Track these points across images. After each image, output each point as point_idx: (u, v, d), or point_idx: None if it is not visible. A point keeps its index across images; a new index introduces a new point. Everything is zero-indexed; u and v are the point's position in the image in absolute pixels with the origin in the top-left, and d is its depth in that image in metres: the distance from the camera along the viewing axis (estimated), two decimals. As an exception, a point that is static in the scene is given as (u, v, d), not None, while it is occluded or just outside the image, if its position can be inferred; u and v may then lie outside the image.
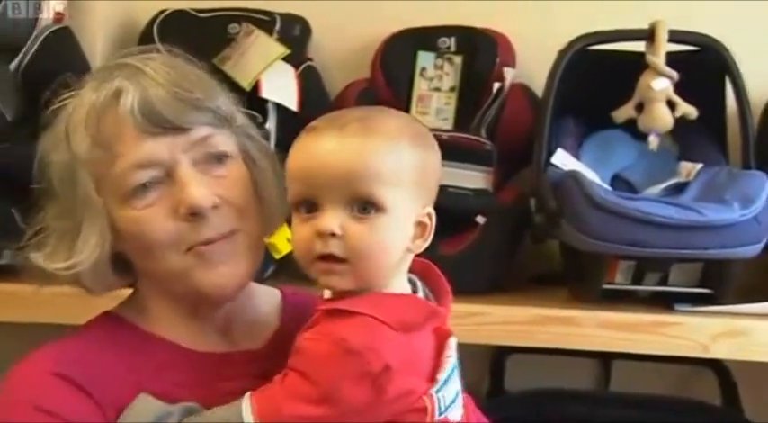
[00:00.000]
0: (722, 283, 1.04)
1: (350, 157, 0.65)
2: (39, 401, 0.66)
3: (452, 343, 0.69)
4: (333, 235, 0.65)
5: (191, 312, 0.73)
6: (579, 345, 1.04)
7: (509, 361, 1.24)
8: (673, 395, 1.26)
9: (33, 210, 0.73)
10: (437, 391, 0.67)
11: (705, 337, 1.01)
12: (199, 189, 0.68)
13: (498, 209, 1.13)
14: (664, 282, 1.06)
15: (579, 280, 1.09)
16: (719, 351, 1.02)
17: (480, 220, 1.12)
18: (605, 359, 1.25)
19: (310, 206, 0.66)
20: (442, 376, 0.67)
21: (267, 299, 0.79)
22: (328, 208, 0.65)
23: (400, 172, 0.65)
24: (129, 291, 0.77)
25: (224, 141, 0.71)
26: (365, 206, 0.65)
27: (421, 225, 0.68)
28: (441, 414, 0.66)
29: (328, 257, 0.65)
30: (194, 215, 0.68)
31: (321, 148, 0.66)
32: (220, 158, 0.71)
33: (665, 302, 1.06)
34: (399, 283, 0.69)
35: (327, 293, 0.69)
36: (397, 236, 0.66)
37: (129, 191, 0.68)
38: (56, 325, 1.10)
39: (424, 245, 0.68)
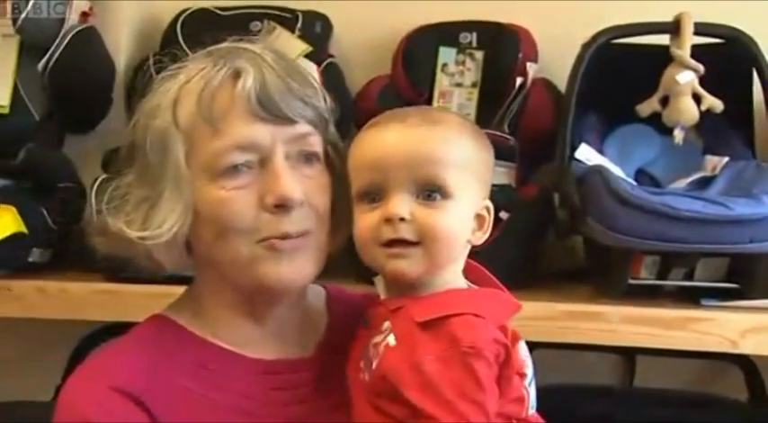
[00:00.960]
0: (750, 278, 1.03)
1: (417, 143, 0.67)
2: (95, 420, 0.66)
3: (523, 344, 0.70)
4: (402, 220, 0.66)
5: (246, 311, 0.73)
6: (604, 340, 1.03)
7: (533, 356, 1.23)
8: (698, 391, 1.24)
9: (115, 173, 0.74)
10: (529, 385, 0.68)
11: (733, 332, 1.00)
12: (292, 182, 0.69)
13: (521, 204, 1.13)
14: (689, 277, 1.05)
15: (604, 275, 1.09)
16: (747, 346, 1.00)
17: (503, 215, 1.11)
18: (630, 355, 1.24)
19: (375, 195, 0.68)
20: (529, 372, 0.68)
21: (314, 299, 0.79)
22: (395, 194, 0.67)
23: (464, 160, 0.68)
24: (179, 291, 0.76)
25: (318, 143, 0.72)
26: (431, 192, 0.67)
27: (480, 217, 0.69)
28: (532, 409, 0.68)
29: (397, 243, 0.66)
30: (279, 207, 0.69)
31: (386, 137, 0.68)
32: (310, 158, 0.72)
33: (690, 298, 1.05)
34: (461, 279, 0.70)
35: (382, 292, 0.70)
36: (462, 223, 0.68)
37: (222, 169, 0.69)
38: (86, 321, 1.13)
39: (483, 237, 0.70)
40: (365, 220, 0.68)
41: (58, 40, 1.15)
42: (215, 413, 0.69)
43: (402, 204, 0.66)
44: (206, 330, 0.73)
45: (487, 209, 0.70)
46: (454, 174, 0.67)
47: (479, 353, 0.63)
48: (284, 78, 0.70)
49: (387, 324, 0.67)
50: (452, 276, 0.69)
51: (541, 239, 1.15)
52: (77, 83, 1.16)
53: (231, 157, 0.68)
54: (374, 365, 0.66)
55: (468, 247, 0.70)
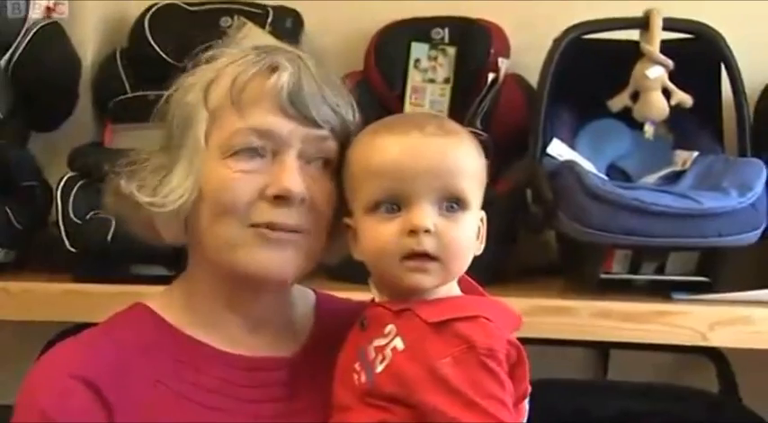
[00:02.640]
0: (719, 271, 1.04)
1: (441, 153, 0.66)
2: (50, 412, 0.66)
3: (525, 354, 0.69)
4: (427, 232, 0.65)
5: (228, 302, 0.72)
6: (577, 335, 1.04)
7: (507, 352, 1.24)
8: (671, 384, 1.26)
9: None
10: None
11: (703, 325, 1.01)
12: (297, 177, 0.69)
13: (494, 200, 1.12)
14: (660, 270, 1.06)
15: (576, 270, 1.09)
16: (717, 339, 1.02)
17: (476, 211, 1.11)
18: (603, 349, 1.25)
19: (394, 205, 0.66)
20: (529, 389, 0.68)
21: (302, 302, 0.78)
22: (419, 204, 0.65)
23: (478, 171, 0.68)
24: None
25: (334, 150, 0.72)
26: (453, 203, 0.66)
27: (478, 227, 0.69)
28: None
29: (418, 256, 0.65)
30: (278, 199, 0.69)
31: (408, 145, 0.67)
32: (323, 164, 0.72)
33: (661, 291, 1.06)
34: (456, 287, 0.69)
35: (377, 294, 0.69)
36: (475, 234, 0.68)
37: (234, 149, 0.69)
38: (53, 323, 1.11)
39: (482, 247, 0.69)
40: (383, 231, 0.66)
41: (20, 36, 1.13)
42: (181, 407, 0.69)
43: (427, 216, 0.65)
44: (184, 322, 0.73)
45: (482, 219, 0.70)
46: (471, 185, 0.67)
47: (495, 355, 0.63)
48: (319, 83, 0.71)
49: (391, 327, 0.66)
50: (453, 283, 0.69)
51: (514, 235, 1.16)
52: (41, 79, 1.14)
53: (246, 139, 0.69)
54: (379, 368, 0.65)
55: (475, 252, 0.70)
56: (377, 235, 0.66)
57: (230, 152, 0.70)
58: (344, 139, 0.73)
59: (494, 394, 0.62)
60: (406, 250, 0.65)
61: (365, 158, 0.68)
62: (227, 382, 0.70)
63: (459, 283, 0.70)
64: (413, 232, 0.65)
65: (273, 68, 0.70)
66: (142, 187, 0.71)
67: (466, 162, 0.67)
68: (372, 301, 0.70)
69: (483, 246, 0.70)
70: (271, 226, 0.69)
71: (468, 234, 0.67)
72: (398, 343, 0.65)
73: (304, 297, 0.79)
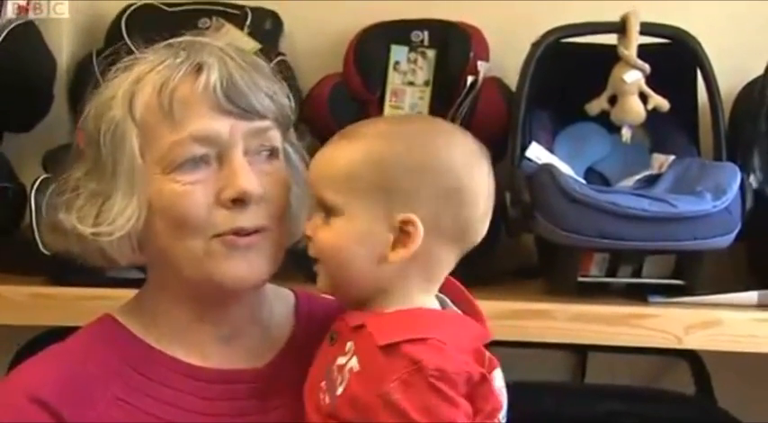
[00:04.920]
0: (695, 274, 1.05)
1: (315, 164, 0.68)
2: None
3: (499, 373, 0.67)
4: (308, 237, 0.67)
5: (197, 313, 0.70)
6: (554, 338, 1.04)
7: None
8: (648, 386, 1.27)
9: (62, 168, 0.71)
10: (503, 418, 0.66)
11: (678, 328, 1.01)
12: (251, 176, 0.67)
13: (473, 203, 1.13)
14: (637, 274, 1.06)
15: (554, 273, 1.09)
16: (693, 342, 1.02)
17: (455, 214, 1.11)
18: (581, 351, 1.26)
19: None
20: (503, 403, 0.66)
21: (279, 305, 0.76)
22: (313, 212, 0.68)
23: (351, 175, 0.65)
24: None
25: (278, 138, 0.71)
26: (327, 210, 0.66)
27: (401, 232, 0.65)
28: None
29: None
30: (236, 202, 0.67)
31: (316, 155, 0.69)
32: (269, 154, 0.70)
33: (638, 294, 1.06)
34: (425, 299, 0.67)
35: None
36: (357, 241, 0.65)
37: (178, 163, 0.67)
38: (27, 327, 1.09)
39: (404, 255, 0.65)
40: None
41: (-7, 36, 1.11)
42: None
43: (309, 223, 0.68)
44: (153, 336, 0.71)
45: (407, 222, 0.64)
46: (340, 191, 0.65)
47: (447, 376, 0.60)
48: (250, 72, 0.69)
49: (350, 345, 0.65)
50: (413, 291, 0.66)
51: (493, 238, 1.16)
52: (15, 79, 1.12)
53: (188, 150, 0.66)
54: (339, 391, 0.63)
55: (397, 265, 0.65)
56: None
57: (173, 166, 0.67)
58: (285, 126, 0.71)
59: (447, 418, 0.60)
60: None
61: None
62: (196, 397, 0.69)
63: (444, 285, 0.69)
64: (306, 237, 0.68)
65: (198, 68, 0.67)
66: (83, 218, 0.68)
67: (331, 168, 0.66)
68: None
69: (409, 252, 0.64)
70: (237, 232, 0.67)
71: (339, 240, 0.65)
72: (354, 363, 0.63)
73: (282, 299, 0.77)
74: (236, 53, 0.69)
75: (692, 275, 1.05)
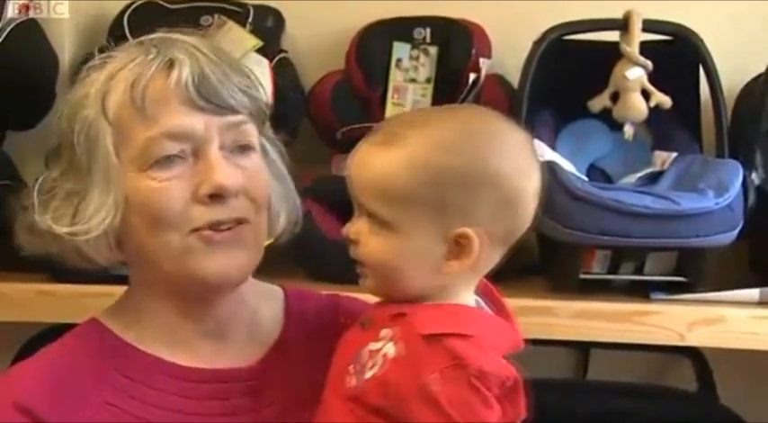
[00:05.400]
0: (697, 272, 1.05)
1: (358, 167, 0.65)
2: None
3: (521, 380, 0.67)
4: (350, 240, 0.66)
5: (181, 310, 0.70)
6: (557, 335, 1.04)
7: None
8: (650, 383, 1.27)
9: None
10: None
11: (681, 325, 1.01)
12: (227, 170, 0.67)
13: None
14: (639, 271, 1.06)
15: (556, 270, 1.09)
16: (695, 339, 1.02)
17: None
18: (583, 348, 1.26)
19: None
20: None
21: (267, 302, 0.75)
22: (357, 213, 0.66)
23: (404, 192, 0.63)
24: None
25: (253, 133, 0.70)
26: (375, 221, 0.64)
27: (456, 245, 0.64)
28: None
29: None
30: (214, 197, 0.66)
31: (355, 153, 0.66)
32: (245, 149, 0.69)
33: (641, 291, 1.06)
34: (466, 296, 0.67)
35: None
36: (410, 256, 0.64)
37: (153, 160, 0.66)
38: (28, 324, 1.09)
39: (459, 268, 0.64)
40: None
41: (-5, 34, 1.11)
42: None
43: (352, 224, 0.66)
44: (137, 336, 0.71)
45: (462, 236, 0.63)
46: (394, 205, 0.63)
47: (486, 377, 0.60)
48: (222, 67, 0.68)
49: (386, 331, 0.64)
50: (458, 290, 0.66)
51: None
52: (17, 77, 1.12)
53: (163, 146, 0.66)
54: (369, 374, 0.63)
55: (453, 275, 0.65)
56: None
57: (149, 163, 0.66)
58: (261, 120, 0.71)
59: (481, 417, 0.60)
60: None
61: None
62: (185, 398, 0.68)
63: (479, 287, 0.68)
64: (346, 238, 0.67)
65: (170, 64, 0.67)
66: (58, 218, 0.67)
67: (384, 180, 0.63)
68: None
69: (466, 265, 0.64)
70: (213, 226, 0.67)
71: (390, 253, 0.64)
72: (390, 349, 0.63)
73: (271, 296, 0.76)
74: (208, 49, 0.69)
75: (694, 272, 1.05)
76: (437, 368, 0.60)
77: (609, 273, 1.06)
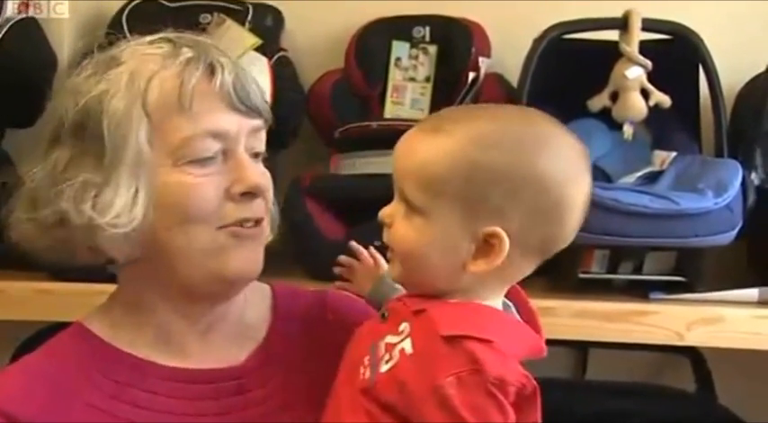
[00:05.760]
0: (696, 271, 1.05)
1: (401, 150, 0.64)
2: None
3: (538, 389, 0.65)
4: (385, 223, 0.65)
5: (180, 309, 0.70)
6: (555, 334, 1.03)
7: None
8: (649, 382, 1.27)
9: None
10: None
11: (679, 325, 1.01)
12: (258, 171, 0.70)
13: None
14: (638, 270, 1.06)
15: (555, 269, 1.09)
16: (693, 339, 1.02)
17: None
18: (582, 348, 1.26)
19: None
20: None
21: (256, 300, 0.76)
22: (396, 198, 0.65)
23: (438, 178, 0.62)
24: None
25: (264, 140, 0.72)
26: (408, 205, 0.63)
27: (485, 243, 0.62)
28: None
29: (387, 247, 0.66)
30: (245, 196, 0.68)
31: (404, 138, 0.65)
32: (257, 156, 0.72)
33: (639, 291, 1.06)
34: (492, 300, 0.65)
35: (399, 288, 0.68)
36: (437, 246, 0.62)
37: (193, 157, 0.67)
38: (27, 322, 1.09)
39: (485, 267, 0.62)
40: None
41: (-6, 32, 1.11)
42: None
43: (387, 208, 0.65)
44: (127, 340, 0.70)
45: (492, 235, 0.61)
46: (429, 193, 0.62)
47: (504, 386, 0.59)
48: (246, 73, 0.71)
49: (405, 326, 0.63)
50: (486, 293, 0.64)
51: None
52: (15, 75, 1.12)
53: (205, 144, 0.67)
54: (384, 368, 0.61)
55: (476, 274, 0.62)
56: None
57: (187, 159, 0.67)
58: (268, 127, 0.73)
59: (491, 421, 0.59)
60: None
61: None
62: (175, 399, 0.68)
63: (510, 291, 0.67)
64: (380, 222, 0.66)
65: (211, 66, 0.69)
66: (103, 209, 0.66)
67: (423, 167, 0.62)
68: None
69: (491, 266, 0.62)
70: (240, 223, 0.68)
71: (418, 241, 0.62)
72: (408, 345, 0.62)
73: (259, 294, 0.76)
74: (228, 54, 0.72)
75: (693, 272, 1.05)
76: (454, 371, 0.59)
77: (608, 272, 1.06)
